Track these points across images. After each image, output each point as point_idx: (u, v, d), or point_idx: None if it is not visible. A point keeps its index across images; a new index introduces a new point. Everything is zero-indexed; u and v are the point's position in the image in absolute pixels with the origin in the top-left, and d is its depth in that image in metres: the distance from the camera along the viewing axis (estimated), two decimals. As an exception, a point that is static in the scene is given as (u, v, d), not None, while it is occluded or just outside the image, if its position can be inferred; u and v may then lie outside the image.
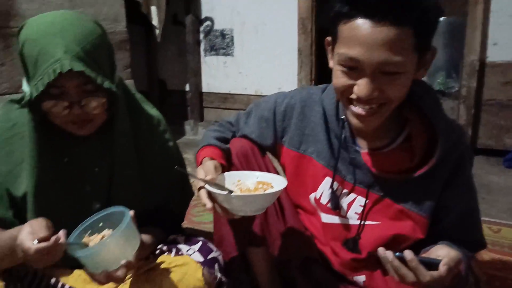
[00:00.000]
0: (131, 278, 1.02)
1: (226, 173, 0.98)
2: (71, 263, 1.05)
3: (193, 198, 1.21)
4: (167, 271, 1.00)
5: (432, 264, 0.77)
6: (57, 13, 0.90)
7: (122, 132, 0.99)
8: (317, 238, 1.07)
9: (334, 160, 0.98)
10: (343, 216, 1.01)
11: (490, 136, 2.64)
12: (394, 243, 0.96)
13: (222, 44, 3.26)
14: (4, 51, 2.08)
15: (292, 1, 2.92)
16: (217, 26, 3.24)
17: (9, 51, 2.09)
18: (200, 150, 1.04)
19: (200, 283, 0.98)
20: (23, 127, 0.95)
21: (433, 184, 0.93)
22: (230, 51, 3.24)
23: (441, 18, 0.92)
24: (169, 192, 1.12)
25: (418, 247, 0.92)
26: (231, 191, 0.89)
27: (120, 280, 0.88)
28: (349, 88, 0.84)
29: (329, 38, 0.90)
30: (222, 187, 0.90)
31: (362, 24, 0.78)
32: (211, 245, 1.07)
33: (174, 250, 1.06)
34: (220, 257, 1.05)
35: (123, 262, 0.83)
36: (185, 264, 1.00)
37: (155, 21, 3.04)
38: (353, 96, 0.84)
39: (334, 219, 1.02)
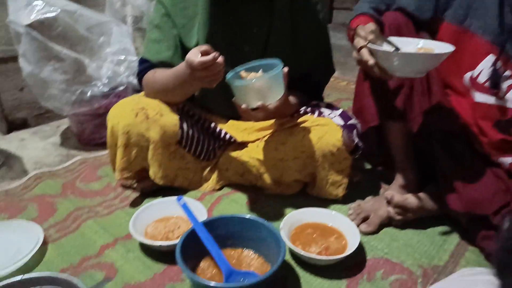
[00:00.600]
0: (275, 131, 1.15)
1: (386, 38, 0.94)
2: (227, 113, 1.22)
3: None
4: (309, 128, 1.09)
5: None
6: None
7: None
8: (463, 118, 1.03)
9: (504, 36, 0.90)
10: (501, 98, 0.95)
11: None
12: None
13: None
14: None
15: None
16: None
17: None
18: (355, 18, 1.03)
19: (338, 143, 1.06)
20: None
21: None
22: None
23: None
24: (315, 61, 1.18)
25: None
26: (397, 48, 0.88)
27: (256, 119, 0.99)
28: None
29: None
30: (383, 46, 0.90)
31: None
32: (350, 114, 1.12)
33: (317, 112, 1.14)
34: (358, 126, 1.09)
35: (259, 103, 0.91)
36: (327, 124, 1.08)
37: None
38: None
39: (489, 99, 0.96)
